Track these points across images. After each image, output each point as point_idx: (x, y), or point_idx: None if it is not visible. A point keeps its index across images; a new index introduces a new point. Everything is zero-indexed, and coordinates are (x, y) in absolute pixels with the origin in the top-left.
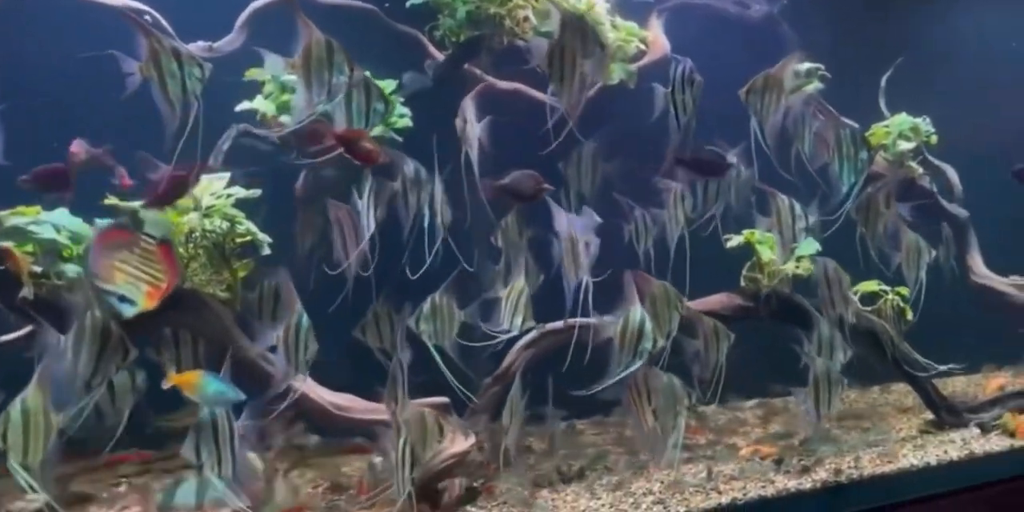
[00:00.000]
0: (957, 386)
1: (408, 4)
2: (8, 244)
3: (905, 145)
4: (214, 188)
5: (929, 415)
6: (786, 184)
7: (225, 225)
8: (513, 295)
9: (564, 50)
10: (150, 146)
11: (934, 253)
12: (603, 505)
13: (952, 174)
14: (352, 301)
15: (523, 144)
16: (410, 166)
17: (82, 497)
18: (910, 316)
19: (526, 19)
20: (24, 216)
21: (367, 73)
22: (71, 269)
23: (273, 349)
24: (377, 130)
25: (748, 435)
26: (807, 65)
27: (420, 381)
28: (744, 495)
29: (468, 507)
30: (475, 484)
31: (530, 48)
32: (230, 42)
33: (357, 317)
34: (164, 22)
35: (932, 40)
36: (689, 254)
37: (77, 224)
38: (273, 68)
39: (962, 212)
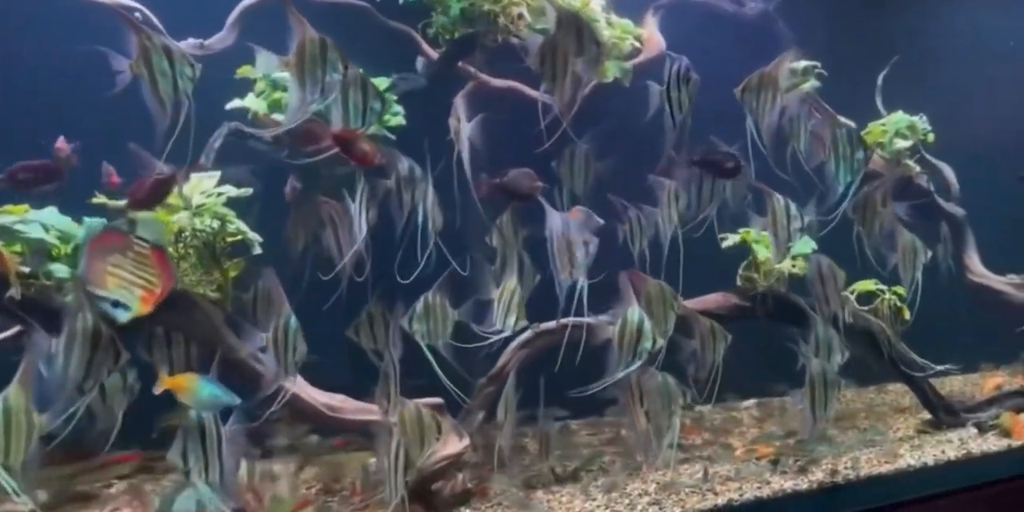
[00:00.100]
0: (954, 386)
1: (401, 1)
2: None
3: (902, 143)
4: (204, 187)
5: (926, 415)
6: (782, 183)
7: (216, 224)
8: (506, 295)
9: (556, 48)
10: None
11: (930, 253)
12: (598, 506)
13: (949, 172)
14: (347, 300)
15: (518, 142)
16: (404, 164)
17: (77, 497)
18: (907, 316)
19: (520, 16)
20: (11, 215)
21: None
22: (59, 269)
23: (264, 350)
24: (371, 128)
25: (744, 435)
26: (803, 63)
27: (414, 382)
28: (740, 496)
29: (462, 508)
30: (469, 485)
31: (525, 46)
32: (221, 40)
33: (353, 316)
34: (154, 19)
35: (929, 37)
36: (684, 253)
37: (66, 223)
38: (266, 66)
39: (959, 211)
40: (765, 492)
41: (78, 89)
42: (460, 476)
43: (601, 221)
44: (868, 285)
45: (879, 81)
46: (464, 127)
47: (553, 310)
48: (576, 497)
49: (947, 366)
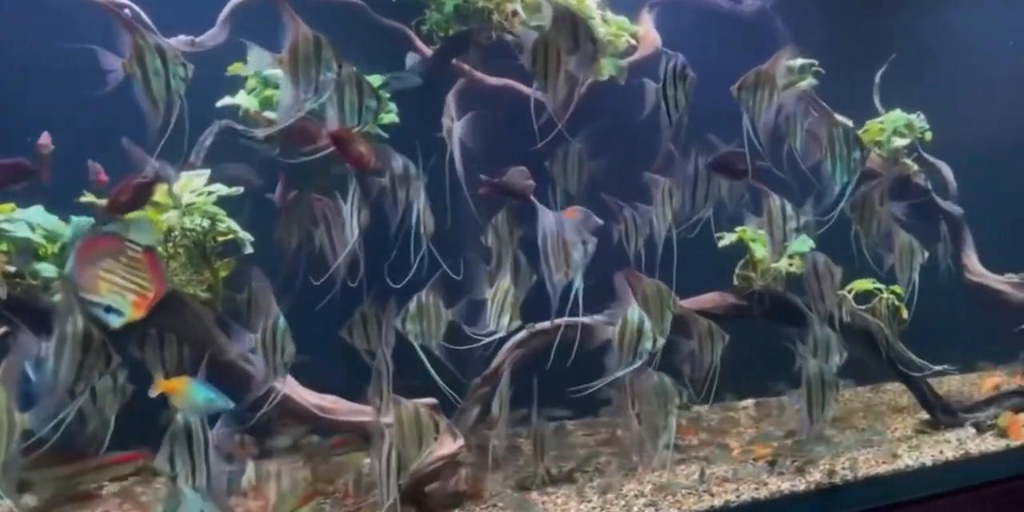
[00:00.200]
0: (952, 385)
1: None
2: None
3: (899, 142)
4: (194, 185)
5: (924, 415)
6: (779, 182)
7: (206, 223)
8: (499, 295)
9: (548, 46)
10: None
11: (927, 254)
12: (593, 508)
13: (947, 171)
14: (341, 300)
15: (513, 141)
16: (398, 161)
17: (77, 497)
18: (905, 315)
19: (515, 13)
20: None
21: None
22: (46, 268)
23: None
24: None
25: (742, 436)
26: (800, 61)
27: (407, 383)
28: (737, 497)
29: (455, 511)
30: (464, 487)
31: (521, 43)
32: (213, 36)
33: (346, 316)
34: (144, 15)
35: (926, 35)
36: (680, 252)
37: (53, 222)
38: (258, 63)
39: (957, 209)
40: (762, 493)
41: (65, 87)
42: (455, 477)
43: (600, 221)
44: (866, 284)
45: (877, 79)
46: (456, 126)
47: (550, 310)
48: (571, 499)
49: (945, 366)
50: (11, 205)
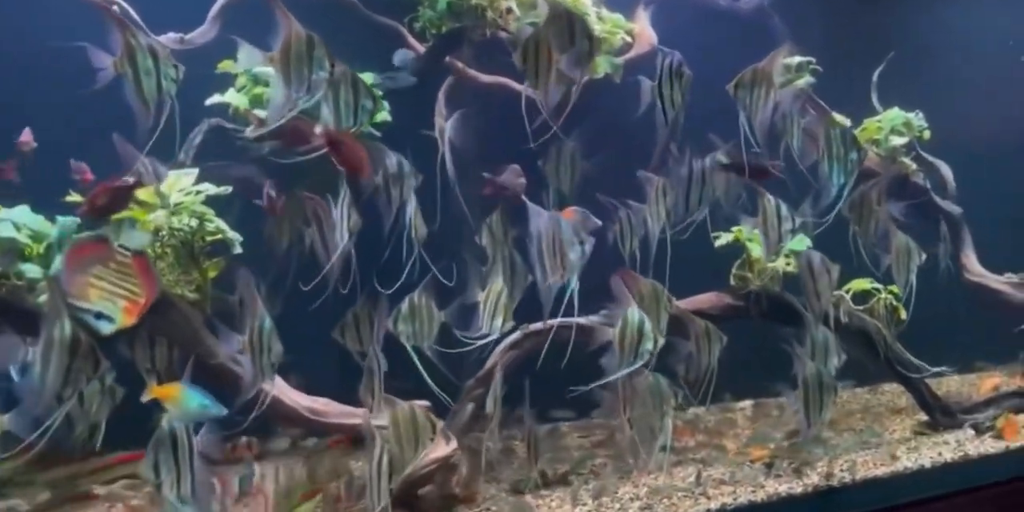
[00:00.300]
0: (951, 386)
1: None
2: None
3: (897, 140)
4: (182, 184)
5: (923, 416)
6: (776, 181)
7: (194, 223)
8: (492, 297)
9: (539, 43)
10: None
11: (924, 256)
12: (588, 511)
13: (946, 170)
14: (332, 301)
15: (507, 139)
16: (392, 159)
17: (78, 498)
18: (903, 315)
19: (509, 10)
20: None
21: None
22: (31, 269)
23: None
24: None
25: (739, 437)
26: (798, 59)
27: (400, 384)
28: (734, 500)
29: None
30: (455, 490)
31: (515, 40)
32: (202, 34)
33: (338, 318)
34: (133, 13)
35: (925, 33)
36: (676, 252)
37: (38, 222)
38: (248, 60)
39: (956, 209)
40: (759, 496)
41: (54, 85)
42: (455, 477)
43: (599, 222)
44: (864, 284)
45: (874, 77)
46: (447, 125)
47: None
48: (565, 502)
49: (943, 368)
50: None
